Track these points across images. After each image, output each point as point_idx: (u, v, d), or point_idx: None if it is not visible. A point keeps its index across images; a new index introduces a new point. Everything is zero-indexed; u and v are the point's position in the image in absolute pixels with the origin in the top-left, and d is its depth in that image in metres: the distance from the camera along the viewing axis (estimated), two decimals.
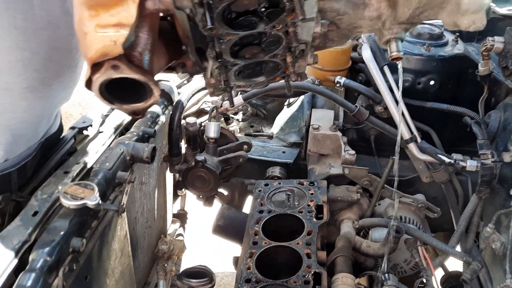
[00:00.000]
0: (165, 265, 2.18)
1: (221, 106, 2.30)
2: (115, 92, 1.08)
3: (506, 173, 1.90)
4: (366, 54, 2.20)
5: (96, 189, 1.39)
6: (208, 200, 2.34)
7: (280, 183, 2.20)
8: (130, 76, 1.02)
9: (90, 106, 6.38)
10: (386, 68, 2.15)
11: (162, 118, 2.10)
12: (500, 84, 2.11)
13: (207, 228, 2.28)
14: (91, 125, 2.07)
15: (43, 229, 1.35)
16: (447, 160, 2.07)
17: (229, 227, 2.17)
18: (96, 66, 1.01)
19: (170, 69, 1.32)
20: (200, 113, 2.54)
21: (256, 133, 2.71)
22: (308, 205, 2.04)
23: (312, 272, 1.71)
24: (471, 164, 2.03)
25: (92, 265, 1.46)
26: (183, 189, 2.37)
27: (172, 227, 2.64)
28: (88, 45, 0.98)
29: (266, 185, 2.19)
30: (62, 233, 1.31)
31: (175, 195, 2.63)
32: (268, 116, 2.88)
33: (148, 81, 1.05)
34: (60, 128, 1.86)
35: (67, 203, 1.34)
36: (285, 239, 2.00)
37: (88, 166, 1.67)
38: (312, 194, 2.10)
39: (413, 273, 2.21)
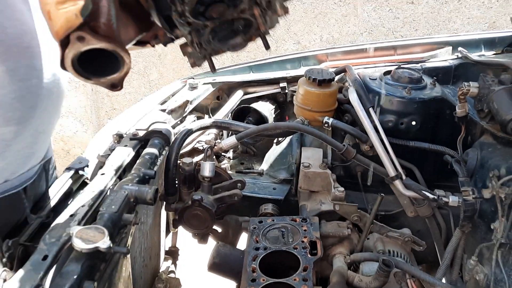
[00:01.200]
0: None
1: (215, 145, 2.39)
2: (90, 67, 1.11)
3: (486, 208, 2.04)
4: (352, 96, 2.35)
5: (106, 232, 1.45)
6: (203, 238, 2.40)
7: (273, 220, 2.28)
8: (97, 45, 1.05)
9: (72, 142, 6.37)
10: (371, 110, 2.30)
11: (160, 159, 2.17)
12: (475, 124, 2.28)
13: (200, 265, 2.32)
14: (87, 166, 2.13)
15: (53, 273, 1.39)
16: (430, 196, 2.20)
17: (225, 265, 2.22)
18: (64, 43, 1.05)
19: (143, 43, 1.33)
20: (192, 152, 2.62)
21: (247, 170, 2.80)
22: (302, 241, 2.12)
23: None
24: (453, 200, 2.16)
25: None
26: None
27: (164, 264, 2.67)
28: (53, 24, 1.03)
29: (260, 222, 2.27)
30: (75, 277, 1.36)
31: (167, 232, 2.67)
32: (258, 153, 2.98)
33: (116, 49, 1.08)
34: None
35: (80, 246, 1.39)
36: (282, 275, 2.07)
37: (93, 209, 1.72)
38: (305, 230, 2.19)
39: None
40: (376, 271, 2.04)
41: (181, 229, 2.42)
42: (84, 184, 2.05)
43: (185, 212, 2.24)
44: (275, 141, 2.90)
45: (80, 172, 2.11)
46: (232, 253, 2.27)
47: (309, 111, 2.46)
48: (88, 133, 6.32)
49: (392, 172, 2.28)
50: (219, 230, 2.50)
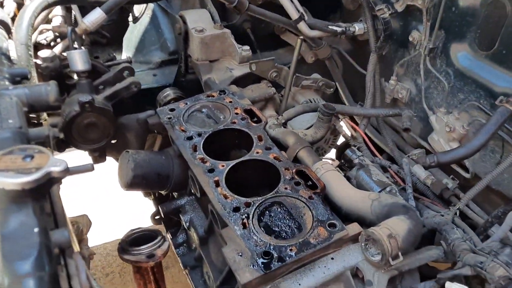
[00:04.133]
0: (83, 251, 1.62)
1: (77, 26, 1.70)
2: None
3: (397, 24, 2.00)
4: None
5: (49, 152, 0.85)
6: (101, 154, 1.79)
7: (186, 103, 1.82)
8: None
9: None
10: None
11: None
12: None
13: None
14: None
15: None
16: (338, 29, 2.05)
17: (148, 174, 1.72)
18: None
19: None
20: (36, 48, 1.83)
21: (109, 63, 2.15)
22: (236, 114, 1.76)
23: (294, 171, 1.50)
24: (359, 28, 2.07)
25: None
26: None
27: None
28: None
29: (172, 110, 1.78)
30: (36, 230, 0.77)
31: None
32: (111, 40, 2.31)
33: None
34: None
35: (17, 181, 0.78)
36: (233, 157, 1.71)
37: None
38: (231, 102, 1.81)
39: (330, 150, 2.25)
40: (317, 120, 1.86)
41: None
42: None
43: (73, 124, 1.58)
44: (130, 19, 2.28)
45: None
46: (151, 157, 1.76)
47: None
48: None
49: (295, 14, 2.02)
50: (113, 141, 1.90)
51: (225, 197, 1.43)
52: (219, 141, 1.69)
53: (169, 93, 1.95)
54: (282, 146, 1.68)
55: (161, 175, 1.75)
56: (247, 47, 1.99)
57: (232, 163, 1.54)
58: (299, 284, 1.24)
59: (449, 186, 1.93)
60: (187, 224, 1.77)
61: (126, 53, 2.24)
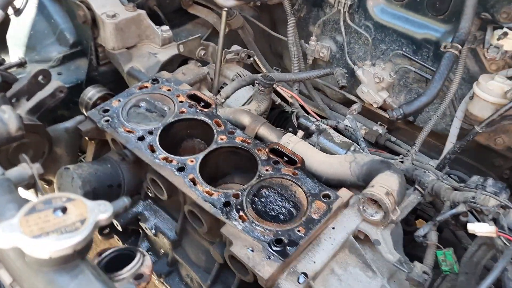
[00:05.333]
0: None
1: None
2: None
3: None
4: None
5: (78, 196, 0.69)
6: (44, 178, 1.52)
7: (119, 100, 1.61)
8: None
9: None
10: None
11: None
12: None
13: None
14: None
15: None
16: None
17: (100, 188, 1.51)
18: None
19: None
20: None
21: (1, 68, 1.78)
22: (181, 102, 1.62)
23: (268, 150, 1.45)
24: None
25: None
26: None
27: None
28: None
29: (106, 110, 1.57)
30: None
31: None
32: None
33: None
34: None
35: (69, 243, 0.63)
36: (190, 149, 1.58)
37: None
38: (169, 90, 1.66)
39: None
40: (257, 93, 1.81)
41: None
42: None
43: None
44: (12, 12, 1.90)
45: None
46: (97, 169, 1.54)
47: None
48: None
49: None
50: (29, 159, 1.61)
51: (209, 193, 1.33)
52: (171, 135, 1.54)
53: (93, 92, 1.70)
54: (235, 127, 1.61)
55: (113, 186, 1.55)
56: (166, 27, 1.82)
57: (201, 155, 1.43)
58: (314, 262, 1.23)
59: (381, 132, 2.08)
60: (153, 231, 1.62)
61: (15, 54, 1.88)
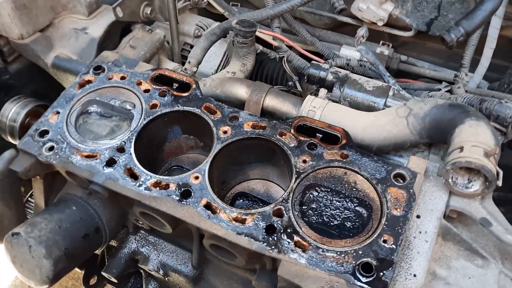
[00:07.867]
0: None
1: None
2: None
3: None
4: None
5: None
6: None
7: (58, 112, 1.09)
8: None
9: None
10: None
11: None
12: None
13: None
14: None
15: None
16: None
17: (74, 245, 1.04)
18: None
19: None
20: None
21: None
22: (147, 91, 1.13)
23: (293, 130, 1.02)
24: None
25: None
26: None
27: None
28: None
29: (44, 133, 1.06)
30: None
31: None
32: None
33: None
34: None
35: None
36: (177, 150, 1.12)
37: None
38: (124, 78, 1.15)
39: None
40: (238, 49, 1.33)
41: None
42: None
43: None
44: None
45: None
46: (59, 219, 1.05)
47: None
48: None
49: None
50: None
51: (240, 221, 0.91)
52: (146, 143, 1.08)
53: (15, 109, 1.16)
54: (227, 104, 1.14)
55: (89, 234, 1.09)
56: None
57: (206, 166, 0.98)
58: (415, 276, 0.88)
59: (389, 54, 1.69)
60: (161, 271, 1.19)
61: None
